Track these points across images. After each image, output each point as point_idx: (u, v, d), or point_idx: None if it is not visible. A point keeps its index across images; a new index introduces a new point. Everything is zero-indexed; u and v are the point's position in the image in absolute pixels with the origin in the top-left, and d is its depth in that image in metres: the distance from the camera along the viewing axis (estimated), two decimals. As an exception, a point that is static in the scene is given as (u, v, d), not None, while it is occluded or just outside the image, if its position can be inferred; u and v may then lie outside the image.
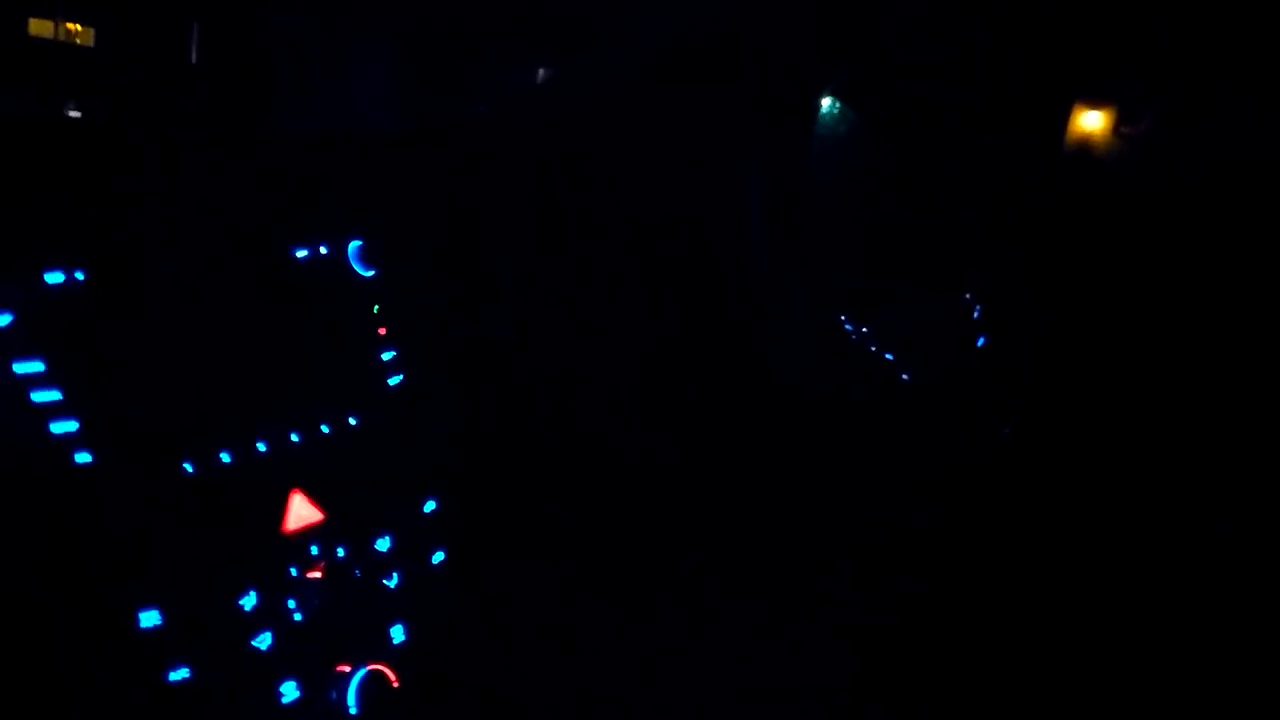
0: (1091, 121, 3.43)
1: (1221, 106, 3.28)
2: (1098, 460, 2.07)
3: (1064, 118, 3.27)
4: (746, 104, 1.87)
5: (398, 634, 1.43)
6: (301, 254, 1.46)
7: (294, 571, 1.33)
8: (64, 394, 1.16)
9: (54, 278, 1.19)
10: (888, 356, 2.06)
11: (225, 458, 1.30)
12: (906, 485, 1.90)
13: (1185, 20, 2.67)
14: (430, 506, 1.51)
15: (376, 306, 1.53)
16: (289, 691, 1.30)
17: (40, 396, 1.14)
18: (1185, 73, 3.14)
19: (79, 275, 1.21)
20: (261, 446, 1.34)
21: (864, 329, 2.07)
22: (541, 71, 3.35)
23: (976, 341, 2.11)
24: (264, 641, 1.28)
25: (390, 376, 1.52)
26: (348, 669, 1.34)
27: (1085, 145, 3.42)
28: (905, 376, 2.04)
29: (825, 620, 1.74)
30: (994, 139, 2.62)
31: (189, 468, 1.26)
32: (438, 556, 1.50)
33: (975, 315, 2.13)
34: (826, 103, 2.24)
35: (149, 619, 1.19)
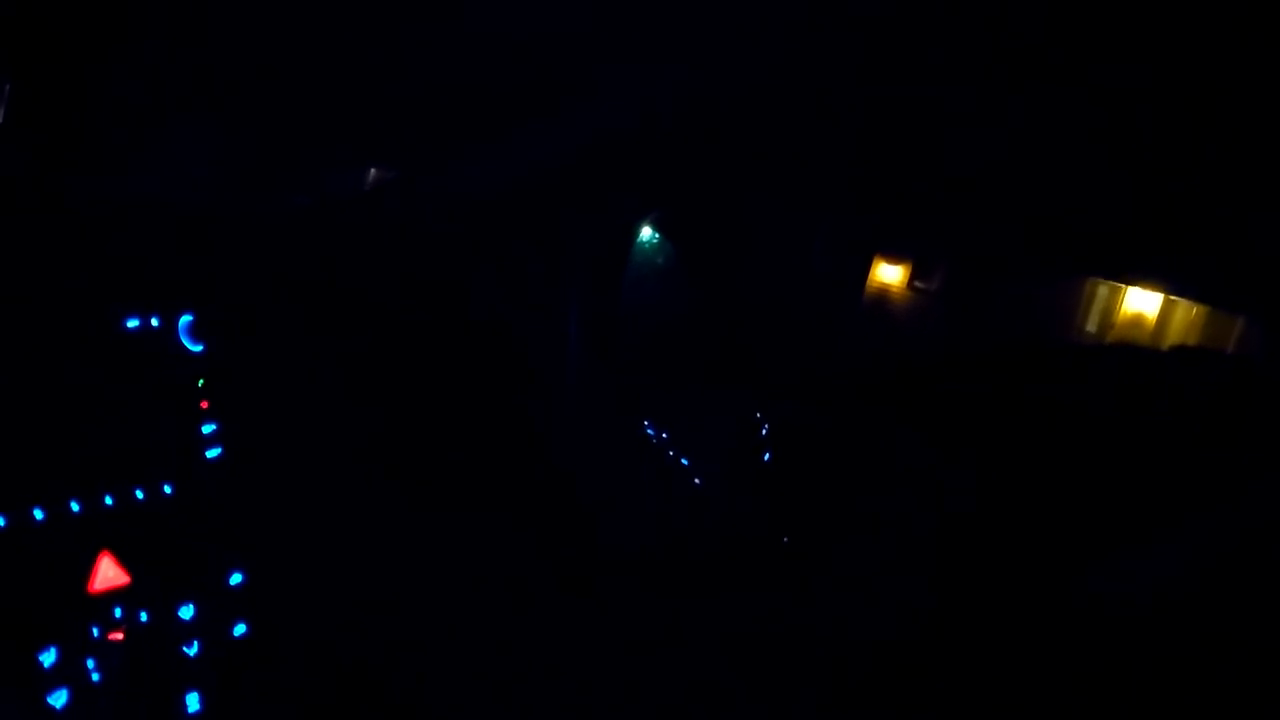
0: (890, 274, 3.88)
1: (1007, 275, 3.80)
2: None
3: (865, 268, 3.71)
4: (571, 233, 2.13)
5: (193, 702, 1.51)
6: (132, 324, 1.58)
7: (96, 632, 1.41)
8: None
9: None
10: (684, 462, 2.32)
11: (38, 514, 1.39)
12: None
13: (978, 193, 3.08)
14: (236, 579, 1.62)
15: (202, 380, 1.66)
16: (79, 752, 1.37)
17: None
18: (976, 242, 3.63)
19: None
20: (75, 506, 1.44)
21: (664, 435, 2.33)
22: (372, 172, 3.52)
23: (763, 455, 2.41)
24: (59, 699, 1.35)
25: (209, 449, 1.64)
26: (140, 734, 1.42)
27: (883, 294, 3.86)
28: (698, 481, 2.31)
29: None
30: (798, 282, 2.98)
31: (0, 521, 1.35)
32: (239, 629, 1.60)
33: (763, 432, 2.43)
34: (648, 233, 2.53)
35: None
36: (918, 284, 3.93)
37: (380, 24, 2.34)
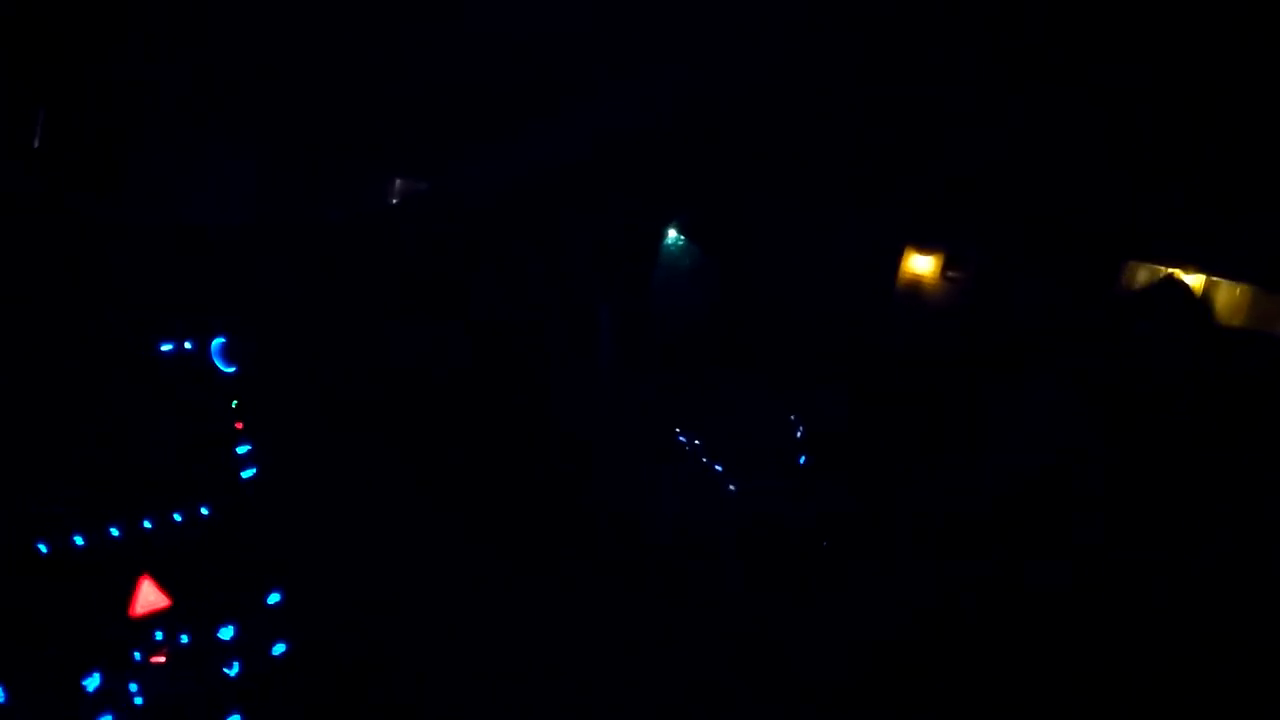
0: (922, 265, 3.86)
1: (1041, 262, 3.76)
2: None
3: (896, 260, 3.69)
4: (599, 236, 2.13)
5: (235, 722, 1.53)
6: (166, 347, 1.60)
7: (138, 655, 1.44)
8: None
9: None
10: (718, 468, 2.33)
11: (78, 540, 1.42)
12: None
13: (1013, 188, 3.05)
14: (274, 599, 1.64)
15: (235, 402, 1.68)
16: (125, 774, 1.40)
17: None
18: (1010, 231, 3.60)
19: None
20: (114, 532, 1.46)
21: (697, 441, 2.34)
22: (398, 183, 3.54)
23: (799, 459, 2.41)
24: (105, 723, 1.38)
25: (244, 470, 1.66)
26: (184, 755, 1.45)
27: (915, 284, 3.84)
28: (733, 487, 2.32)
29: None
30: (828, 279, 2.98)
31: (43, 548, 1.37)
32: (279, 648, 1.62)
33: (799, 435, 2.43)
34: (673, 235, 2.54)
35: (-11, 697, 1.28)
36: (950, 274, 3.90)
37: (391, 32, 2.36)
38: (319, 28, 2.34)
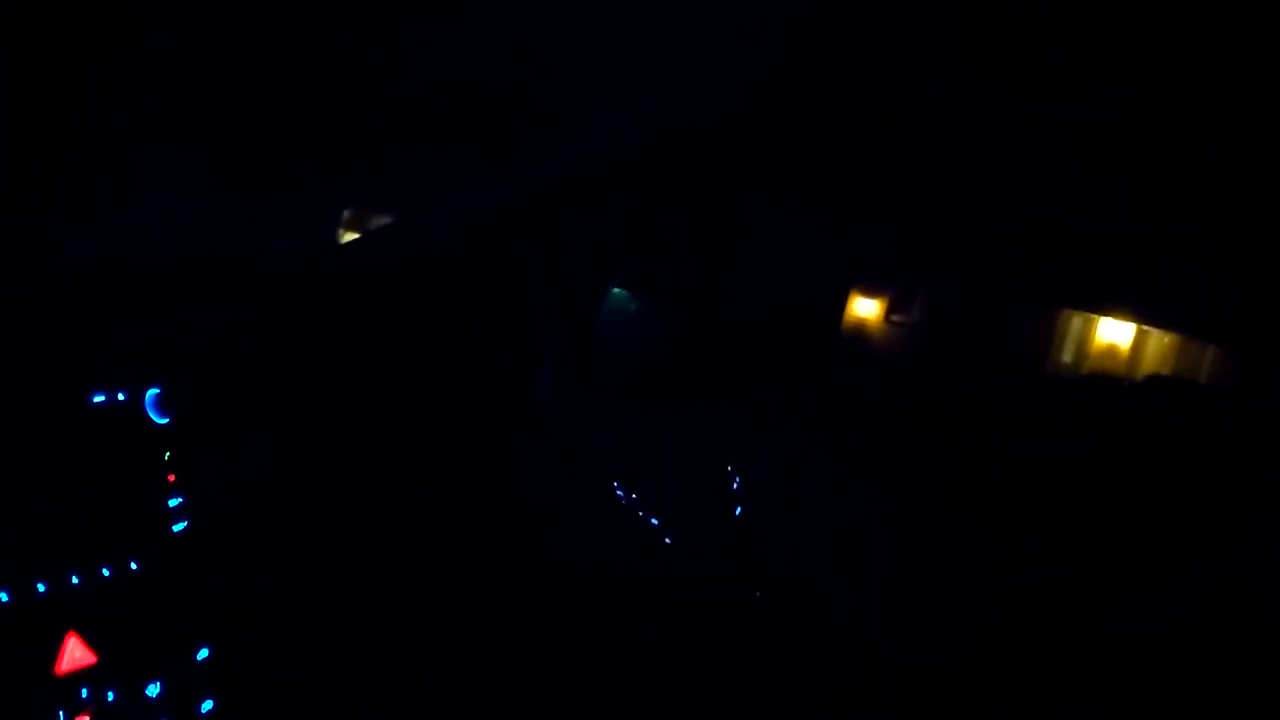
0: (865, 308, 3.92)
1: (985, 306, 3.82)
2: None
3: (839, 305, 3.73)
4: (545, 281, 2.15)
5: (161, 781, 1.52)
6: (98, 398, 1.59)
7: (62, 715, 1.42)
8: None
9: None
10: (653, 521, 2.34)
11: (2, 596, 1.40)
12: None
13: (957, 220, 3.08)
14: (203, 654, 1.63)
15: (168, 453, 1.67)
16: (46, 837, 1.38)
17: None
18: (954, 269, 3.66)
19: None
20: (41, 586, 1.45)
21: (634, 495, 2.35)
22: (346, 213, 3.52)
23: (734, 510, 2.43)
24: (24, 785, 1.36)
25: (175, 523, 1.65)
26: (107, 816, 1.43)
27: (859, 328, 3.89)
28: (668, 540, 2.33)
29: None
30: (769, 325, 3.01)
31: (-34, 606, 1.36)
32: (206, 705, 1.61)
33: (735, 486, 2.45)
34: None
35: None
36: (895, 318, 3.96)
37: (368, 50, 2.34)
38: (278, 35, 2.30)
